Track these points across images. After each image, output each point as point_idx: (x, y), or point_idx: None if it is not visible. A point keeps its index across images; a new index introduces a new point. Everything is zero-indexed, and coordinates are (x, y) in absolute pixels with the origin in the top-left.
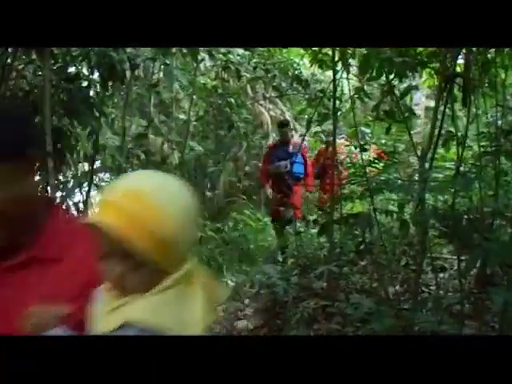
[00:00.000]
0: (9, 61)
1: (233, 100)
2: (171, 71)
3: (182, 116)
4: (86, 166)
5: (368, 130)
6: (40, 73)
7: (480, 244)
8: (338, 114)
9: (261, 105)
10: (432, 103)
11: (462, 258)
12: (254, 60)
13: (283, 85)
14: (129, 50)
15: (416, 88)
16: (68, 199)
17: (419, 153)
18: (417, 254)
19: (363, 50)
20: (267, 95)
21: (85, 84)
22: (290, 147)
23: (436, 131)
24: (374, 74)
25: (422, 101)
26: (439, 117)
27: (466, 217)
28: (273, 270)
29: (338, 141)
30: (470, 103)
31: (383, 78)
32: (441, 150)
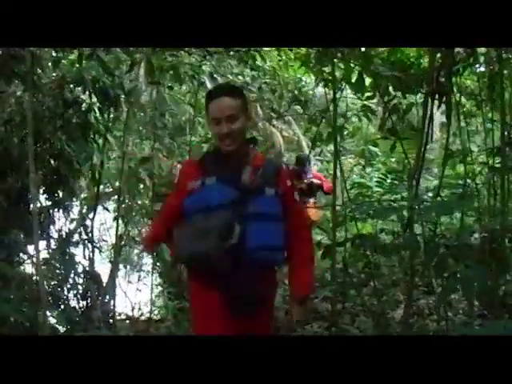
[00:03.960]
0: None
1: None
2: (163, 98)
3: (193, 138)
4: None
5: (376, 149)
6: (35, 99)
7: (455, 272)
8: (345, 132)
9: (273, 125)
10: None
11: None
12: (259, 80)
13: (293, 106)
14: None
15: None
16: (75, 222)
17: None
18: (423, 276)
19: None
20: (274, 115)
21: (84, 109)
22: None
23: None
24: (371, 92)
25: (438, 116)
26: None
27: (444, 243)
28: None
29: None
30: (450, 119)
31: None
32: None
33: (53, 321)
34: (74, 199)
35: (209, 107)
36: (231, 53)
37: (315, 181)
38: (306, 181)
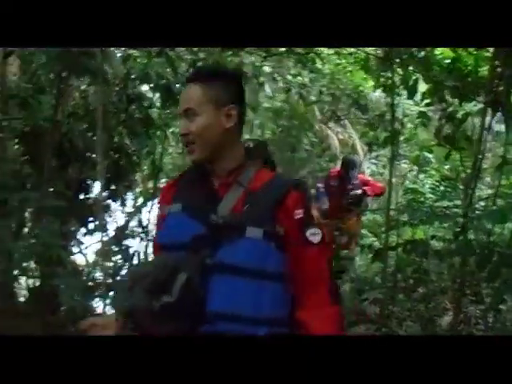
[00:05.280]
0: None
1: (298, 122)
2: None
3: (248, 136)
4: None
5: (431, 155)
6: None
7: (506, 280)
8: (401, 138)
9: (329, 128)
10: (503, 127)
11: None
12: (320, 83)
13: (354, 109)
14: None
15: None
16: (132, 215)
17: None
18: (471, 285)
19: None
20: (332, 118)
21: (146, 104)
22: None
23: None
24: (430, 98)
25: (493, 125)
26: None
27: (498, 250)
28: None
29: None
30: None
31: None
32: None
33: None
34: (131, 192)
35: None
36: (292, 55)
37: (357, 192)
38: (348, 198)
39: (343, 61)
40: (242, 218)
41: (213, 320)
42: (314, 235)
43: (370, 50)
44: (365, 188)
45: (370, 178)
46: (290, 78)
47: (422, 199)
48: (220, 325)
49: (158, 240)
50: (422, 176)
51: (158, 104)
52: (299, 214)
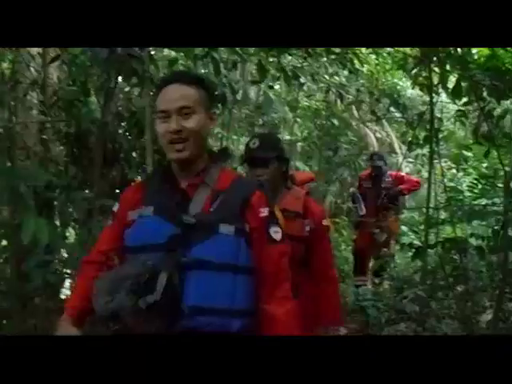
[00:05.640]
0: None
1: (337, 122)
2: (269, 98)
3: (288, 137)
4: None
5: (470, 154)
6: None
7: None
8: (440, 136)
9: (367, 127)
10: None
11: None
12: (358, 82)
13: (391, 108)
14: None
15: None
16: None
17: None
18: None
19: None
20: (371, 117)
21: None
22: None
23: None
24: (468, 97)
25: None
26: None
27: None
28: (367, 291)
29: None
30: None
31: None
32: None
33: None
34: None
35: (157, 100)
36: (330, 55)
37: (391, 190)
38: (382, 196)
39: (380, 60)
40: (213, 216)
41: (191, 314)
42: (276, 233)
43: (407, 48)
44: (400, 187)
45: (403, 174)
46: (327, 77)
47: (461, 197)
48: (198, 318)
49: (128, 243)
50: (459, 174)
51: None
52: (264, 212)
